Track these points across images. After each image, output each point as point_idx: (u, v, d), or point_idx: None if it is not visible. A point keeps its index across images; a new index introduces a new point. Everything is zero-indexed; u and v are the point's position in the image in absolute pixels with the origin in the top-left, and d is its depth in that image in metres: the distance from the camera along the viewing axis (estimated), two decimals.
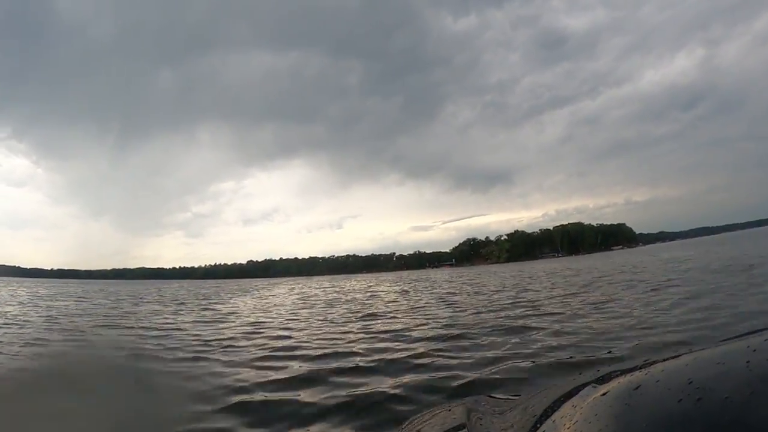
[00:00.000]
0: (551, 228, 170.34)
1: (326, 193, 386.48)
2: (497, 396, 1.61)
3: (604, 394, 0.86)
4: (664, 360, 0.92)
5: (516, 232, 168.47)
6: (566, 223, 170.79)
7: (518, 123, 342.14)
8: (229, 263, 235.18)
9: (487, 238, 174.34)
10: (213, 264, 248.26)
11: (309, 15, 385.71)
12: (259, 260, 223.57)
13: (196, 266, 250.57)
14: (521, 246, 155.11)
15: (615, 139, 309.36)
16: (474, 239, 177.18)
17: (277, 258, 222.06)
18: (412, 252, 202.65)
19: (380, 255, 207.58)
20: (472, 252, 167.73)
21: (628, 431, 0.71)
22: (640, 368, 0.92)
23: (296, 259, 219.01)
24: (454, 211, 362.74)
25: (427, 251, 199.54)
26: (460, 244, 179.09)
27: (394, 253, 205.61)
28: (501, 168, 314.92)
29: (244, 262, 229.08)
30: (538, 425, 0.95)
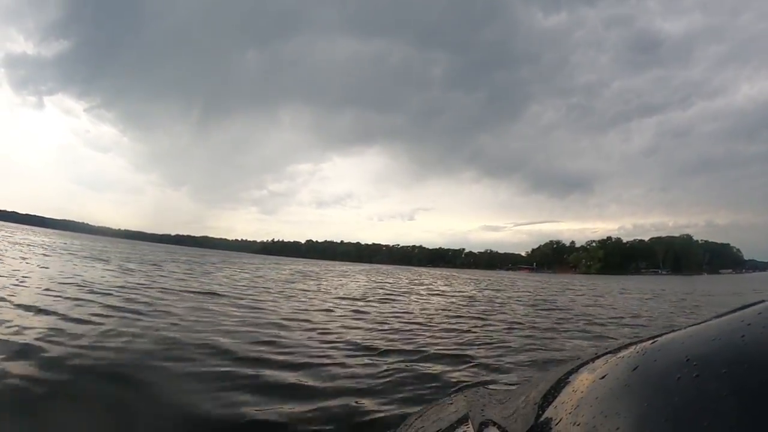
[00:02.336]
0: (645, 240, 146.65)
1: (401, 184, 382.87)
2: (496, 386, 1.61)
3: (603, 377, 0.86)
4: (660, 336, 0.88)
5: (609, 239, 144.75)
6: (655, 237, 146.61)
7: (603, 129, 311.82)
8: (289, 240, 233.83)
9: (572, 243, 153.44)
10: (271, 240, 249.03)
11: (397, 3, 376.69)
12: (319, 241, 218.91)
13: (256, 240, 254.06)
14: (617, 256, 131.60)
15: (702, 155, 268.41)
16: (558, 242, 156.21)
17: (338, 241, 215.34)
18: (482, 250, 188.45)
19: (449, 249, 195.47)
20: (554, 257, 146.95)
21: (630, 412, 0.70)
22: (637, 346, 0.89)
23: (358, 243, 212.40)
24: (528, 215, 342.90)
25: (500, 251, 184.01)
26: (541, 245, 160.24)
27: (463, 249, 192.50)
28: (581, 175, 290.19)
29: (303, 241, 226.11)
30: (541, 412, 0.93)
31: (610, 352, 1.00)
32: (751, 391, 0.59)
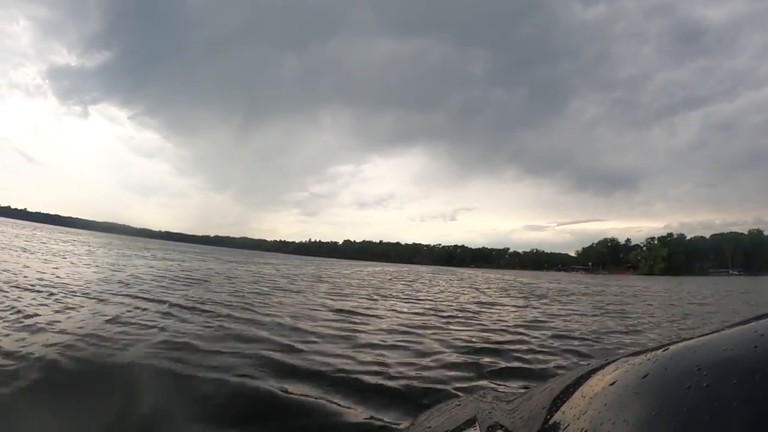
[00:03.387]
0: (707, 237, 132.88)
1: (442, 184, 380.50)
2: (505, 389, 1.58)
3: (612, 383, 0.85)
4: (670, 345, 0.87)
5: (670, 236, 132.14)
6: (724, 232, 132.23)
7: (647, 124, 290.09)
8: (326, 241, 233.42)
9: (628, 240, 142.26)
10: (308, 240, 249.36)
11: (434, 1, 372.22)
12: (357, 241, 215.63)
13: (294, 241, 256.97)
14: (681, 255, 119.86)
15: (751, 149, 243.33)
16: (613, 240, 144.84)
17: (377, 241, 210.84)
18: (528, 250, 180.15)
19: (492, 249, 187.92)
20: (609, 257, 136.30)
21: (639, 420, 0.70)
22: (648, 354, 0.88)
23: (397, 243, 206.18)
24: (571, 214, 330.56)
25: (545, 251, 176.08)
26: (594, 244, 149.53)
27: (507, 249, 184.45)
28: (626, 171, 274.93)
29: (340, 241, 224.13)
30: (549, 417, 0.93)
31: (620, 359, 0.98)
32: (762, 402, 0.58)
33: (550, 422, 0.90)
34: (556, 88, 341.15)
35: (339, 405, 3.52)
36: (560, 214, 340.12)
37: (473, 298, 15.17)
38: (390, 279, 25.46)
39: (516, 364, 5.16)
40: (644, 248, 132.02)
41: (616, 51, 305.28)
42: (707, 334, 0.81)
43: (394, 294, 14.54)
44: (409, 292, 15.81)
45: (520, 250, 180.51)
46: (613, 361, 0.98)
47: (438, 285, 22.74)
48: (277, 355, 4.70)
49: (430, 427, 1.36)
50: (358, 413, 3.38)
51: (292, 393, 3.69)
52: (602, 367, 1.00)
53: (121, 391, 3.51)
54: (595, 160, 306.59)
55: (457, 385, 4.06)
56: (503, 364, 5.03)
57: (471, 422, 1.18)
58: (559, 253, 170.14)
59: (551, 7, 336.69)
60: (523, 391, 1.35)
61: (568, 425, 0.83)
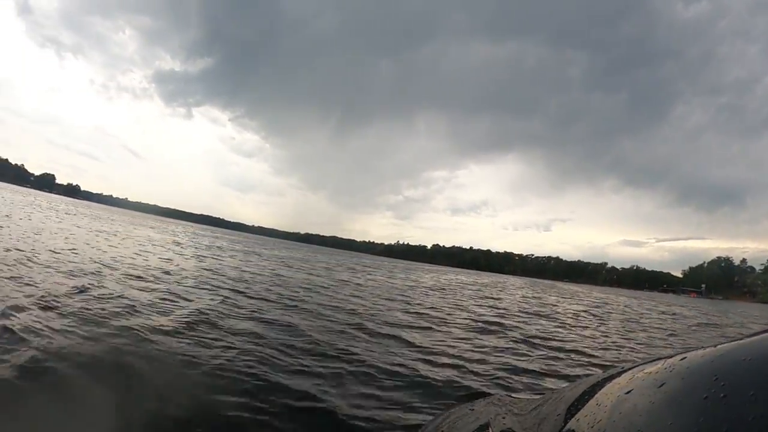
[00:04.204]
0: None
1: (538, 192, 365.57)
2: (518, 395, 0.95)
3: (628, 392, 0.84)
4: (687, 353, 0.86)
5: None
6: None
7: (757, 132, 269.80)
8: (415, 244, 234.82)
9: (743, 262, 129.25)
10: (396, 242, 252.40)
11: (529, 2, 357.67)
12: (446, 246, 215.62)
13: (383, 243, 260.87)
14: None
15: None
16: (728, 260, 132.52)
17: (467, 247, 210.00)
18: (627, 266, 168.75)
19: (588, 263, 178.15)
20: (724, 280, 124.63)
21: (654, 429, 0.69)
22: (665, 361, 0.88)
23: (488, 251, 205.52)
24: (671, 229, 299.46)
25: (647, 268, 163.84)
26: (705, 264, 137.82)
27: (605, 264, 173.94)
28: (731, 185, 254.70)
29: (428, 245, 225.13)
30: (563, 424, 0.93)
31: (636, 367, 0.97)
32: None
33: (564, 430, 0.91)
34: (658, 92, 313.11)
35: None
36: (660, 230, 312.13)
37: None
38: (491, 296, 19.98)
39: None
40: (760, 271, 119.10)
41: (720, 51, 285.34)
42: (725, 343, 0.81)
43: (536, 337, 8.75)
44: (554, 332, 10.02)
45: (618, 266, 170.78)
46: (629, 369, 0.98)
47: (566, 313, 15.68)
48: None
49: (443, 431, 1.39)
50: None
51: None
52: (618, 374, 1.00)
53: None
54: (699, 172, 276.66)
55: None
56: None
57: (484, 427, 1.19)
58: (661, 272, 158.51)
59: (652, 6, 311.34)
60: (536, 397, 1.35)
61: None
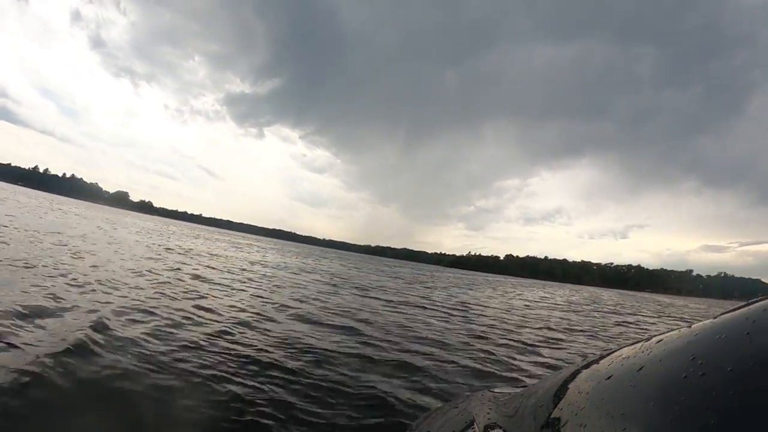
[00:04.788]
0: None
1: (613, 198, 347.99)
2: (501, 389, 1.56)
3: (609, 377, 0.87)
4: (663, 336, 0.89)
5: None
6: None
7: None
8: (486, 255, 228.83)
9: None
10: (467, 253, 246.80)
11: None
12: (520, 256, 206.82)
13: (449, 253, 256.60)
14: None
15: None
16: None
17: (542, 257, 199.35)
18: (713, 274, 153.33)
19: (672, 271, 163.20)
20: None
21: (637, 413, 0.71)
22: (642, 344, 0.90)
23: (564, 261, 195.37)
24: (754, 232, 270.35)
25: (734, 275, 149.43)
26: None
27: (691, 271, 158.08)
28: None
29: (501, 256, 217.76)
30: (547, 414, 0.94)
31: (614, 352, 0.99)
32: (758, 388, 0.59)
33: (549, 419, 0.91)
34: (732, 83, 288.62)
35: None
36: (742, 233, 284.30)
37: None
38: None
39: None
40: None
41: None
42: (699, 322, 0.83)
43: None
44: None
45: (703, 274, 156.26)
46: (607, 355, 1.01)
47: None
48: None
49: (429, 430, 1.41)
50: None
51: None
52: (596, 361, 1.02)
53: None
54: None
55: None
56: None
57: (469, 423, 1.20)
58: (751, 279, 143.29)
59: None
60: (520, 390, 1.36)
61: (566, 422, 0.84)
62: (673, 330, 0.88)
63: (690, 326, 0.84)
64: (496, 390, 1.55)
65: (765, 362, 0.61)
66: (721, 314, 0.82)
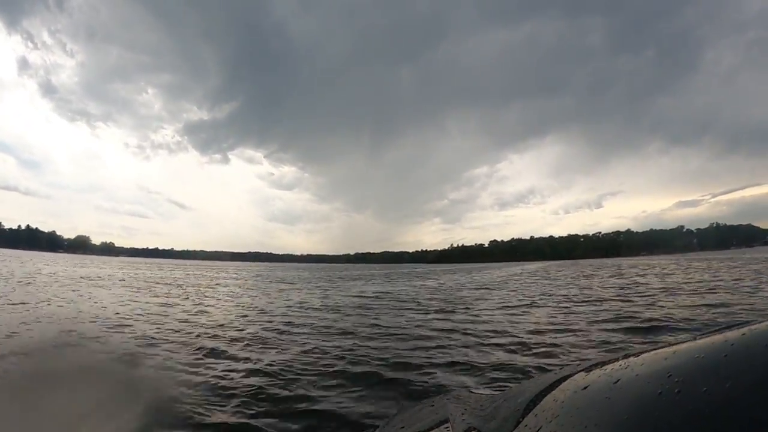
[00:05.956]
0: None
1: (582, 170, 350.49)
2: (479, 392, 1.55)
3: (585, 387, 0.88)
4: (644, 353, 0.91)
5: None
6: None
7: None
8: (470, 244, 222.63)
9: None
10: (449, 246, 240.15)
11: None
12: (505, 240, 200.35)
13: (430, 249, 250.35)
14: None
15: None
16: None
17: (528, 238, 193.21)
18: (707, 225, 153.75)
19: (664, 231, 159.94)
20: None
21: (610, 424, 0.72)
22: (621, 360, 0.92)
23: (551, 238, 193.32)
24: (725, 182, 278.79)
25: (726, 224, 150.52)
26: None
27: (682, 227, 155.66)
28: None
29: (486, 243, 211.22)
30: (521, 419, 0.95)
31: (594, 365, 1.02)
32: (731, 410, 0.60)
33: (522, 424, 0.90)
34: (683, 41, 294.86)
35: None
36: (713, 184, 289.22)
37: None
38: None
39: None
40: None
41: None
42: (680, 342, 0.84)
43: None
44: None
45: (693, 228, 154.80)
46: (587, 368, 1.01)
47: None
48: None
49: (403, 427, 1.38)
50: None
51: None
52: (575, 372, 1.02)
53: None
54: (742, 116, 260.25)
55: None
56: None
57: (443, 423, 1.21)
58: (746, 225, 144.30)
59: None
60: (497, 393, 1.35)
61: (539, 428, 0.83)
62: (653, 348, 0.90)
63: (670, 345, 0.86)
64: (473, 391, 1.61)
65: (740, 385, 0.62)
66: (703, 334, 0.85)
